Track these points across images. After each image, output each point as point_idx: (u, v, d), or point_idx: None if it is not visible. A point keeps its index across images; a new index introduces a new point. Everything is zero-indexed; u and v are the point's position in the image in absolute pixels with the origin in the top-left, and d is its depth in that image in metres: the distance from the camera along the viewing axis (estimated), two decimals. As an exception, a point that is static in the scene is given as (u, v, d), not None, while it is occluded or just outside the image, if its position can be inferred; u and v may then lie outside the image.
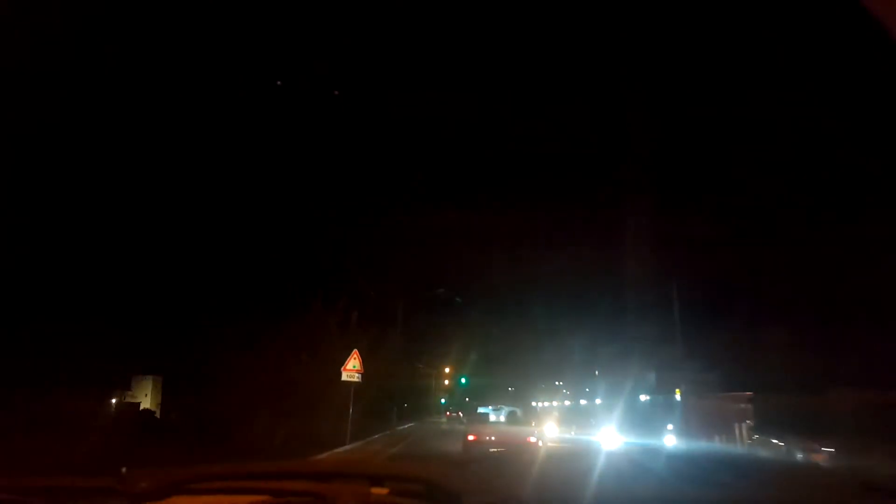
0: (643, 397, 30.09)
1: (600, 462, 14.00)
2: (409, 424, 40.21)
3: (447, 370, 61.65)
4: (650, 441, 18.44)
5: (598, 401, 38.70)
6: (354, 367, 19.94)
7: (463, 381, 61.59)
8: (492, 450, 14.35)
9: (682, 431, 21.21)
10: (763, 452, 17.92)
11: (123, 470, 2.27)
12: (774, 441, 17.85)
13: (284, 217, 24.49)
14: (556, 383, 76.63)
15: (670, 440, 19.65)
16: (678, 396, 25.43)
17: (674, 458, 17.37)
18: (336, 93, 19.34)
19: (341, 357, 19.77)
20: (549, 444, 23.20)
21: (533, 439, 14.80)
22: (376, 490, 2.31)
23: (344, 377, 19.56)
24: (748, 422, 21.64)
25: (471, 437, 14.86)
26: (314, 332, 20.07)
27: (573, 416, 31.03)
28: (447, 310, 48.79)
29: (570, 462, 14.90)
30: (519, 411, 17.68)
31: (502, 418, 17.21)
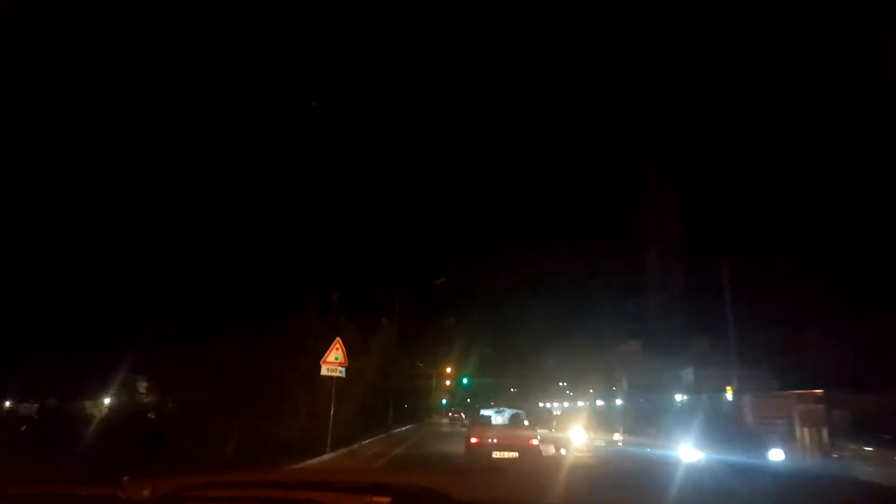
0: (679, 397, 26.04)
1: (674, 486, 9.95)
2: (408, 427, 37.36)
3: (449, 370, 59.58)
4: (740, 455, 13.85)
5: (618, 401, 35.03)
6: (337, 359, 16.59)
7: (465, 381, 60.46)
8: (495, 454, 14.11)
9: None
10: (866, 467, 13.98)
11: (126, 478, 2.26)
12: (868, 448, 14.06)
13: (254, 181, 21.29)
14: (560, 384, 74.11)
15: (777, 454, 15.00)
16: (729, 395, 21.61)
17: (787, 482, 12.71)
18: (314, 104, 19.90)
19: (321, 347, 16.33)
20: (577, 453, 19.67)
21: (535, 442, 14.78)
22: (378, 499, 2.29)
23: (324, 371, 16.17)
24: (799, 425, 18.06)
25: (473, 440, 14.62)
26: (285, 314, 16.49)
27: (606, 420, 26.15)
28: (450, 307, 46.69)
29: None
30: (523, 413, 17.34)
31: (505, 420, 16.94)
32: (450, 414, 59.50)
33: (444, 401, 64.94)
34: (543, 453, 15.53)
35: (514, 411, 17.24)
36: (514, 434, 15.00)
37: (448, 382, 62.39)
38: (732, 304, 20.53)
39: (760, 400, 20.75)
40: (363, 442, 21.44)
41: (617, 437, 22.37)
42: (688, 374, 29.35)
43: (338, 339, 16.59)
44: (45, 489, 2.38)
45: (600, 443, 22.09)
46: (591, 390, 58.12)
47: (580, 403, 46.90)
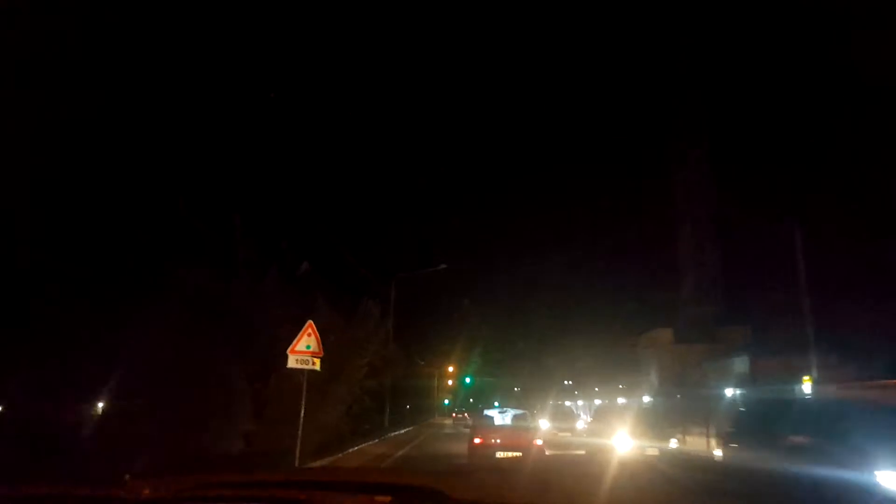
0: (729, 391, 21.91)
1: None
2: (407, 429, 34.07)
3: (451, 369, 57.90)
4: None
5: (644, 398, 31.16)
6: (309, 347, 12.90)
7: (468, 380, 59.46)
8: (498, 454, 14.46)
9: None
10: None
11: (127, 477, 2.25)
12: None
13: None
14: (566, 382, 71.36)
15: None
16: (807, 388, 17.52)
17: None
18: (272, 95, 20.35)
19: (288, 331, 12.79)
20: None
21: (539, 442, 15.28)
22: (378, 498, 2.24)
23: (292, 363, 12.52)
24: None
25: (477, 440, 15.09)
26: (231, 285, 12.80)
27: (650, 422, 21.11)
28: (450, 306, 45.27)
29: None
30: (528, 413, 18.11)
31: (508, 421, 17.17)
32: (454, 414, 57.36)
33: (446, 401, 62.72)
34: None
35: (517, 412, 17.70)
36: (516, 435, 15.41)
37: (450, 382, 60.32)
38: (806, 273, 16.60)
39: (847, 393, 16.67)
40: (348, 450, 17.93)
41: (674, 443, 18.31)
42: (740, 363, 25.29)
43: (309, 322, 12.93)
44: (45, 489, 2.30)
45: (653, 451, 17.79)
46: (595, 388, 55.40)
47: (597, 401, 43.27)
